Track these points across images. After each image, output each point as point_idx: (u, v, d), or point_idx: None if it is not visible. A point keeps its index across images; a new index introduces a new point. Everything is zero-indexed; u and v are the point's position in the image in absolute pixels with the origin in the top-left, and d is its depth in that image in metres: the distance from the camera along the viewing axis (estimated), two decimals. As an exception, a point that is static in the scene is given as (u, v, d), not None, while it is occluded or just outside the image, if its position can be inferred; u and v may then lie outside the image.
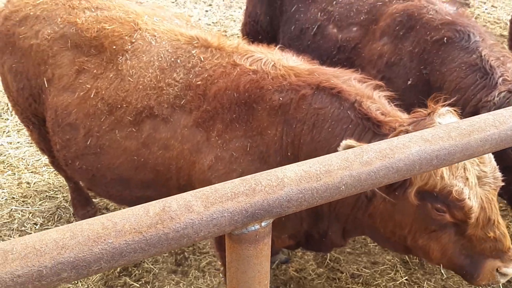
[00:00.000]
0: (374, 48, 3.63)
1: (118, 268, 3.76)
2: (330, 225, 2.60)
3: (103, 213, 4.50)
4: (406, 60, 3.45)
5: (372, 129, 2.27)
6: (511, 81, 3.03)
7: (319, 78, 2.43)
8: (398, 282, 3.76)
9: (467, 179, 2.01)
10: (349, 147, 1.83)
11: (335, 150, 2.34)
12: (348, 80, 2.47)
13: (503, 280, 2.19)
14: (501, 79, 3.03)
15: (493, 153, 2.00)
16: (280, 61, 2.62)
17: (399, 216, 2.19)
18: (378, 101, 2.37)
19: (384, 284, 3.76)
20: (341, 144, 1.94)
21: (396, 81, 3.50)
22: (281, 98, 2.43)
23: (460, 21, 3.34)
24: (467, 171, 2.02)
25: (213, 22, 7.51)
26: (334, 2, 3.96)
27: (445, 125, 1.37)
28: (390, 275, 3.84)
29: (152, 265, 3.82)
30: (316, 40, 3.97)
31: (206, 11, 7.94)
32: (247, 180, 1.08)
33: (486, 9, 8.53)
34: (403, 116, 2.32)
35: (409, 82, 3.45)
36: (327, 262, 3.94)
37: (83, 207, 4.23)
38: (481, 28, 3.41)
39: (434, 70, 3.33)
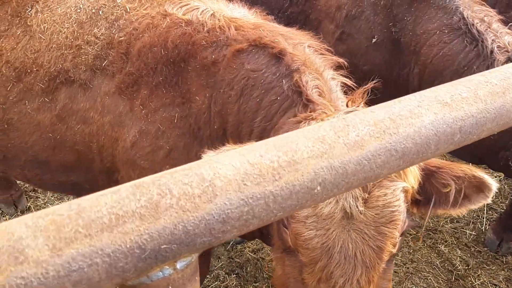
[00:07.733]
0: (331, -2, 3.13)
1: None
2: None
3: (30, 196, 3.91)
4: (370, 14, 2.96)
5: (298, 107, 1.74)
6: (504, 47, 2.56)
7: (262, 33, 1.92)
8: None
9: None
10: None
11: (257, 126, 1.83)
12: (299, 45, 1.94)
13: None
14: (495, 46, 2.56)
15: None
16: (221, 11, 2.11)
17: None
18: (323, 80, 1.80)
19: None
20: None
21: (358, 37, 3.03)
22: (213, 56, 1.94)
23: None
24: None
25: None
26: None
27: (467, 79, 0.89)
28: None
29: None
30: (266, -9, 3.42)
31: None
32: (141, 186, 0.57)
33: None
34: (341, 107, 1.75)
35: (373, 40, 2.98)
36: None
37: (4, 190, 3.63)
38: None
39: (406, 30, 2.85)
